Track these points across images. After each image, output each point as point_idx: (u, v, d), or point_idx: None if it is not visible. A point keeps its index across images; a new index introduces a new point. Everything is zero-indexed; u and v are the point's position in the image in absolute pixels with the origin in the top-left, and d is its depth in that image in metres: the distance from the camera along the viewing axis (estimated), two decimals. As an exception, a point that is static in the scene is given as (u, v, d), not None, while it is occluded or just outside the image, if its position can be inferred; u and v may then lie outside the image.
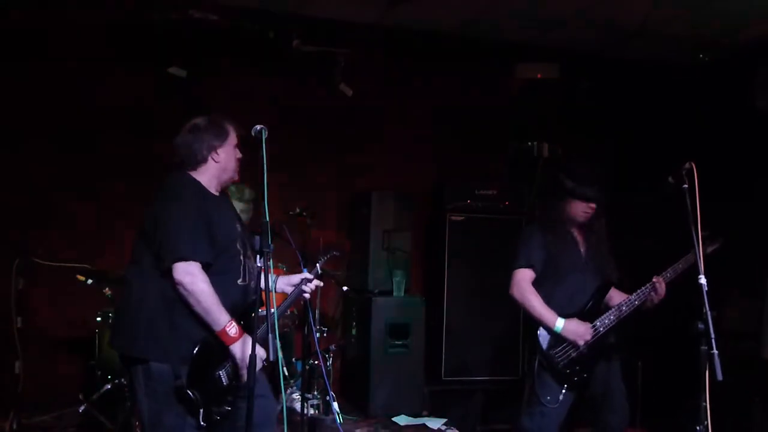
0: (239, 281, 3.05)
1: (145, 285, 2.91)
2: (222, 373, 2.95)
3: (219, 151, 3.10)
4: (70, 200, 5.62)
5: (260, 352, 2.87)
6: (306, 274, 3.36)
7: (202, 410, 2.85)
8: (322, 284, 3.49)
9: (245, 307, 3.02)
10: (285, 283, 3.38)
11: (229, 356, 2.94)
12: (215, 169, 3.12)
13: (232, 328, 2.88)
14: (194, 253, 2.86)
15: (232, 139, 3.15)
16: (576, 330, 3.71)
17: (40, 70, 5.54)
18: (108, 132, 5.71)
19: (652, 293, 3.77)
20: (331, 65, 6.18)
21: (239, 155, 3.20)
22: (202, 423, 2.86)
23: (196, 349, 2.87)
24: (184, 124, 3.16)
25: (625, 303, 3.78)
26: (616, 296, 3.92)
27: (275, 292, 3.21)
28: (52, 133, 5.59)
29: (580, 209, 3.83)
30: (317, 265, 3.48)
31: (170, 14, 5.60)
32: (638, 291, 3.79)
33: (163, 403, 2.85)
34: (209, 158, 3.09)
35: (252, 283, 3.07)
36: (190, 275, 2.83)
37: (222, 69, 5.89)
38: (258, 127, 2.92)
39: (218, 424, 2.94)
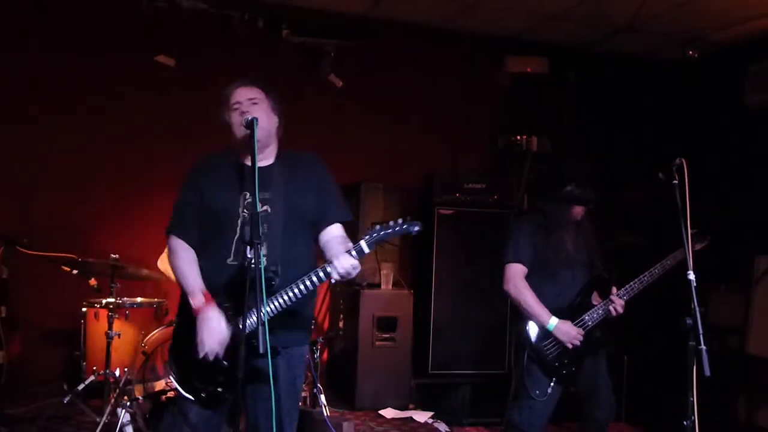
0: (229, 260, 2.83)
1: None
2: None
3: (227, 118, 2.92)
4: (56, 190, 5.56)
5: (220, 328, 2.70)
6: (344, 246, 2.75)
7: (177, 383, 2.79)
8: (358, 265, 2.72)
9: (240, 288, 2.67)
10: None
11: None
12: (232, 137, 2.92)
13: (196, 300, 2.76)
14: (171, 226, 2.94)
15: (229, 100, 2.93)
16: (568, 332, 3.71)
17: (27, 58, 5.49)
18: (95, 124, 5.66)
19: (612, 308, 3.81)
20: (320, 56, 6.16)
21: (239, 115, 2.85)
22: (186, 395, 2.77)
23: (178, 317, 2.88)
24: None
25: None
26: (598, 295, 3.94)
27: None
28: (39, 123, 5.53)
29: (578, 211, 3.85)
30: (360, 242, 2.70)
31: (159, 2, 5.56)
32: (626, 287, 3.81)
33: None
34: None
35: (249, 259, 2.72)
36: (170, 250, 2.92)
37: (211, 58, 5.83)
38: (249, 117, 2.76)
39: (216, 405, 2.79)
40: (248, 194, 2.82)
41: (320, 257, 2.99)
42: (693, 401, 2.95)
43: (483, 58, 6.62)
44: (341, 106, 6.26)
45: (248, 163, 2.84)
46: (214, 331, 2.70)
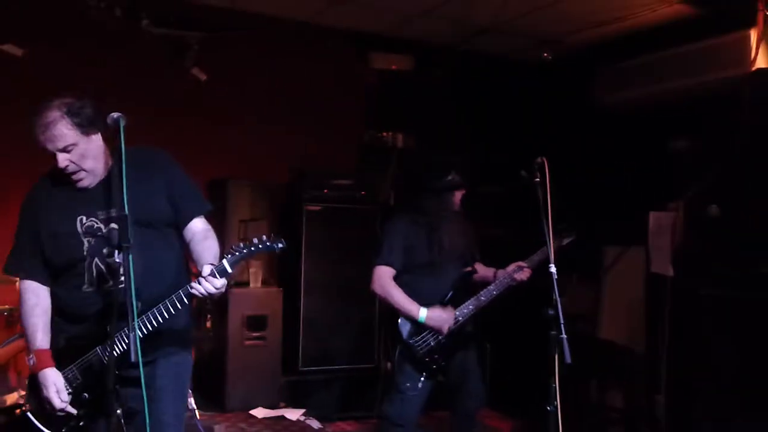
0: (84, 287, 2.70)
1: None
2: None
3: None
4: None
5: (58, 387, 2.64)
6: (207, 267, 2.60)
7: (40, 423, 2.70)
8: (223, 284, 2.62)
9: (103, 313, 2.65)
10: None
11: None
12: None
13: (30, 360, 2.69)
14: (14, 266, 2.79)
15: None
16: (439, 317, 3.81)
17: None
18: None
19: (514, 280, 3.94)
20: (183, 49, 5.96)
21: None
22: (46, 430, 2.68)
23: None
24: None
25: (484, 293, 3.93)
26: (482, 271, 4.07)
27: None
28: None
29: (458, 199, 3.96)
30: (223, 261, 2.58)
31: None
32: (497, 281, 3.95)
33: None
34: None
35: (108, 285, 2.67)
36: (19, 292, 2.75)
37: (64, 48, 5.49)
38: (115, 114, 2.62)
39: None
40: (84, 217, 2.71)
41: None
42: (555, 387, 3.12)
43: (349, 55, 6.63)
44: (206, 101, 6.08)
45: (78, 184, 2.73)
46: (55, 390, 2.63)
